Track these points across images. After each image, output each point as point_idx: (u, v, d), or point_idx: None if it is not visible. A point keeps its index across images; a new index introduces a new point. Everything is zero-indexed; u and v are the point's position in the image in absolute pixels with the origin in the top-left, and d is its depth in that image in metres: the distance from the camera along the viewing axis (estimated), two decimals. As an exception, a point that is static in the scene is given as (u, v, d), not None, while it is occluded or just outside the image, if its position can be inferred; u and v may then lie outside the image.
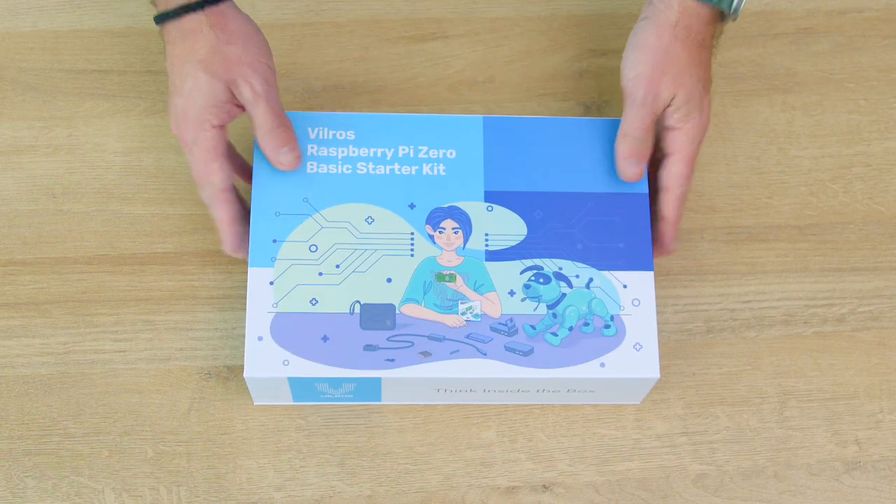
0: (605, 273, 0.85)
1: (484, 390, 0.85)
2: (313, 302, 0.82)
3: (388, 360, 0.81)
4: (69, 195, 0.93)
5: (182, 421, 0.87)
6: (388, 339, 0.82)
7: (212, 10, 0.83)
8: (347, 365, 0.81)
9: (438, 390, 0.85)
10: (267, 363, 0.81)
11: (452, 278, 0.83)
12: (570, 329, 0.83)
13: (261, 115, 0.84)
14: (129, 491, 0.86)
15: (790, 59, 1.01)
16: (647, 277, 0.85)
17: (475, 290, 0.84)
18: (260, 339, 0.81)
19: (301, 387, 0.83)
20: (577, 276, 0.84)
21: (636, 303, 0.84)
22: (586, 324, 0.84)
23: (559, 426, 0.89)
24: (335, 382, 0.83)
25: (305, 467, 0.87)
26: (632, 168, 0.86)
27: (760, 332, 0.92)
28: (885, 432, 0.91)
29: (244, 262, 0.89)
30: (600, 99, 0.98)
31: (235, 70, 0.82)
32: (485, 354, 0.82)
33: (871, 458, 0.90)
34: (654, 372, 0.83)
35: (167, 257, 0.91)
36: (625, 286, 0.84)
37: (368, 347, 0.82)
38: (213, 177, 0.84)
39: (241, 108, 0.84)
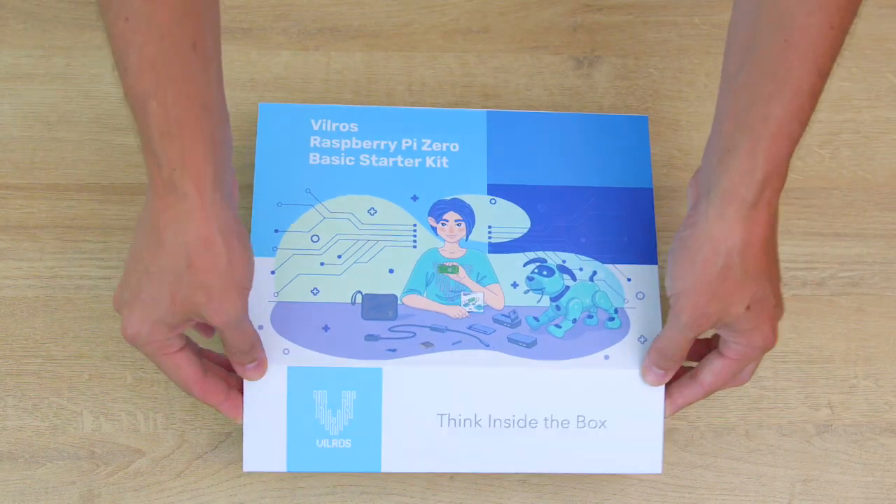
0: (609, 266, 0.84)
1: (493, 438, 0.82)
2: (314, 292, 0.82)
3: (389, 349, 0.81)
4: (64, 123, 0.94)
5: (162, 349, 0.89)
6: (389, 330, 0.81)
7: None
8: (348, 355, 0.80)
9: (441, 417, 0.81)
10: (267, 352, 0.80)
11: (455, 270, 0.83)
12: (574, 321, 0.83)
13: (230, 339, 0.76)
14: (106, 414, 0.87)
15: (785, 23, 1.01)
16: (650, 271, 0.85)
17: (478, 281, 0.83)
18: (260, 327, 0.81)
19: (298, 427, 0.80)
20: (581, 269, 0.84)
21: (640, 296, 0.84)
22: (590, 316, 0.83)
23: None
24: (335, 387, 0.80)
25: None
26: (654, 377, 0.81)
27: (739, 292, 0.93)
28: (858, 398, 0.91)
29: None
30: (592, 54, 0.98)
31: (204, 306, 0.73)
32: (487, 346, 0.81)
33: (842, 423, 0.91)
34: None
35: (156, 188, 0.92)
36: (629, 279, 0.84)
37: (370, 337, 0.81)
38: (185, 384, 0.78)
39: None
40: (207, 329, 0.81)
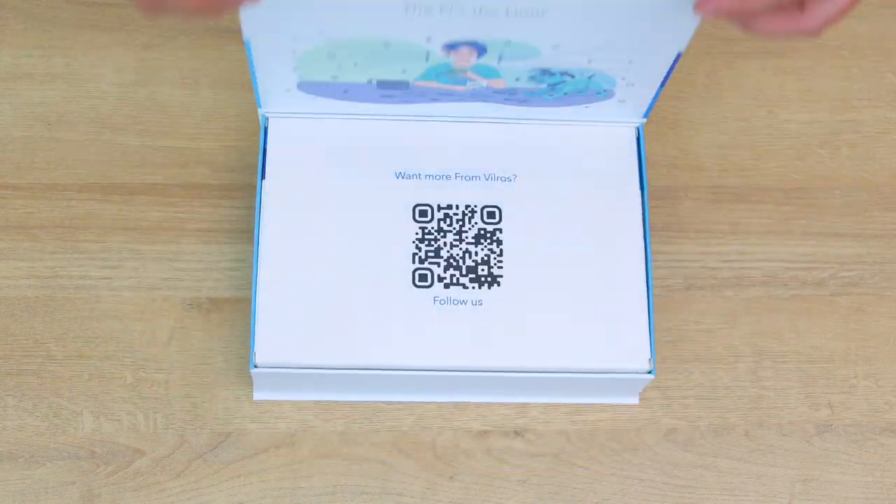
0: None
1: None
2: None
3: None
4: (63, 123, 0.94)
5: (162, 349, 0.89)
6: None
7: None
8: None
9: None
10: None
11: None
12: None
13: None
14: (106, 414, 0.88)
15: (785, 23, 1.01)
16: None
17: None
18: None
19: None
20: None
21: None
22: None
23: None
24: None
25: (281, 402, 0.88)
26: (709, 5, 0.70)
27: (739, 292, 0.93)
28: (858, 398, 0.91)
29: (233, 198, 0.91)
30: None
31: None
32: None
33: (842, 423, 0.91)
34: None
35: (156, 188, 0.92)
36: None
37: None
38: None
39: None
40: None
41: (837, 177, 0.97)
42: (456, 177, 0.87)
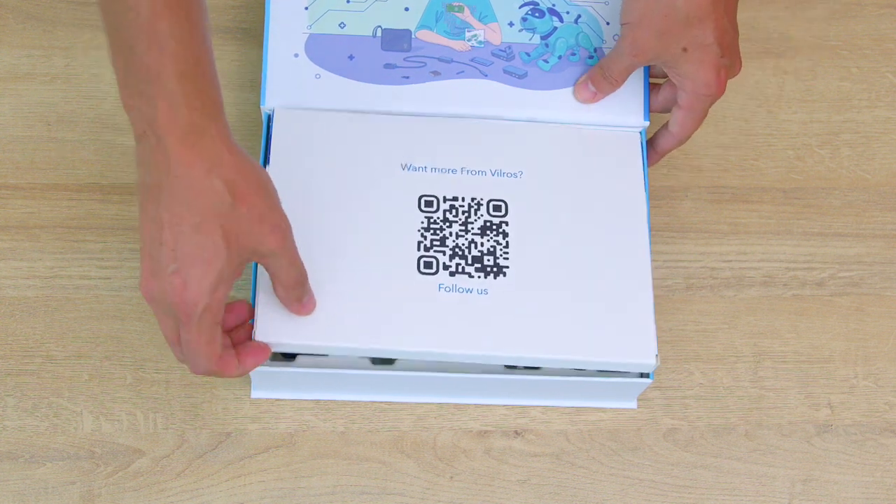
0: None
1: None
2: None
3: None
4: (64, 123, 0.94)
5: (162, 349, 0.89)
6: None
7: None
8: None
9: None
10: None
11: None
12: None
13: (286, 268, 0.77)
14: (106, 415, 0.87)
15: (785, 23, 1.01)
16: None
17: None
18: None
19: None
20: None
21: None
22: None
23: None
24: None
25: (281, 402, 0.88)
26: (587, 93, 0.89)
27: (739, 292, 0.93)
28: (858, 397, 0.91)
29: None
30: (593, 53, 0.99)
31: (258, 230, 0.73)
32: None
33: (842, 423, 0.91)
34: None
35: (156, 188, 0.92)
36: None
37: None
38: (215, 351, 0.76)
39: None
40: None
41: (837, 177, 0.97)
42: (462, 171, 0.88)
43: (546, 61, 0.91)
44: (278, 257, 0.75)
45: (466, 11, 0.92)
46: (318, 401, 0.88)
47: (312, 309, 0.81)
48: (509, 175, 0.88)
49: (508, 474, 0.88)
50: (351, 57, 0.90)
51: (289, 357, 0.85)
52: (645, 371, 0.84)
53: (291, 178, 0.85)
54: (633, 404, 0.90)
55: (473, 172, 0.88)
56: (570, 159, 0.89)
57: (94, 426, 0.87)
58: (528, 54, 0.91)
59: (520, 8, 0.92)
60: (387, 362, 0.85)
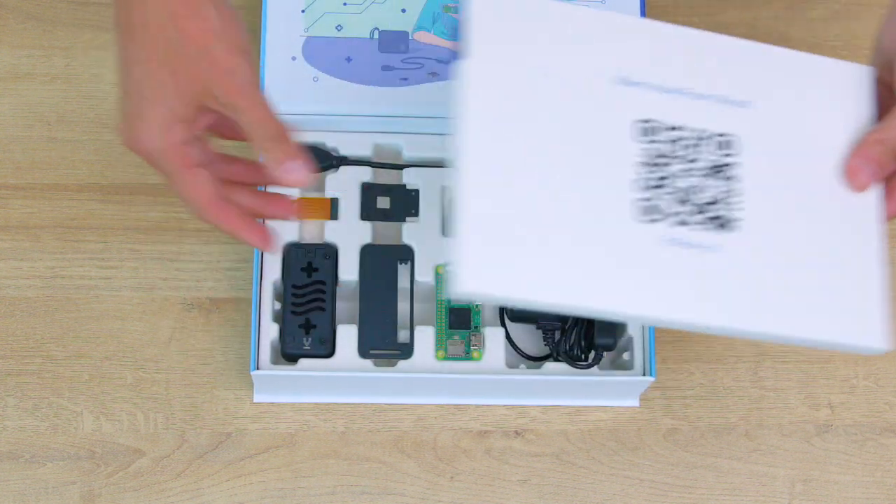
0: None
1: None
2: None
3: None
4: (64, 123, 0.94)
5: (162, 349, 0.89)
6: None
7: None
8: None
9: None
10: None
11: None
12: None
13: (251, 118, 0.71)
14: (107, 414, 0.87)
15: (785, 23, 1.01)
16: None
17: None
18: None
19: None
20: None
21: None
22: None
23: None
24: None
25: (281, 402, 0.88)
26: (863, 177, 0.72)
27: (739, 292, 0.93)
28: (858, 398, 0.91)
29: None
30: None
31: (210, 74, 0.69)
32: None
33: (843, 423, 0.91)
34: None
35: (156, 188, 0.92)
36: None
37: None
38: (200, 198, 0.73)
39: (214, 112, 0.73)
40: (226, 127, 0.75)
41: (837, 177, 0.97)
42: (685, 93, 0.74)
43: None
44: (237, 109, 0.70)
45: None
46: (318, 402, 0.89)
47: (302, 178, 0.72)
48: (738, 104, 0.74)
49: (509, 474, 0.88)
50: (348, 59, 0.90)
51: (291, 359, 0.85)
52: (876, 352, 0.73)
53: (497, 81, 0.71)
54: (635, 402, 0.90)
55: (697, 97, 0.74)
56: (802, 92, 0.76)
57: (95, 426, 0.87)
58: None
59: None
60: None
